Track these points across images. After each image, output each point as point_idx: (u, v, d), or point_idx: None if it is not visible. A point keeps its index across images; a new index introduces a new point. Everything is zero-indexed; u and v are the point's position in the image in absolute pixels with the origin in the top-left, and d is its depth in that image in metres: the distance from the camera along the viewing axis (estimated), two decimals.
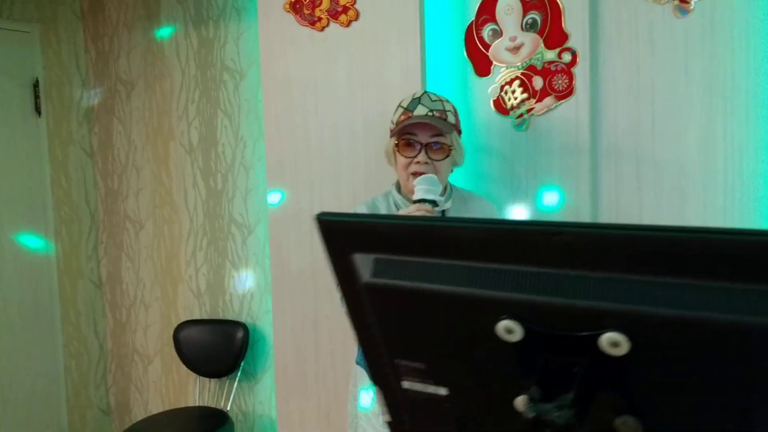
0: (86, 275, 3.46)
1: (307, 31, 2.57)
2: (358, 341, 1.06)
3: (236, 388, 3.14)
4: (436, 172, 1.97)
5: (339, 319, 2.60)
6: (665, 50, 2.15)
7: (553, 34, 2.28)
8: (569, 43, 2.26)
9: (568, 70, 2.28)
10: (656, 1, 2.16)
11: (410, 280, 0.93)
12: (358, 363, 2.22)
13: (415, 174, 1.97)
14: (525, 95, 2.34)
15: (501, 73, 2.38)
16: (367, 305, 0.98)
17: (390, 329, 0.98)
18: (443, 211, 2.03)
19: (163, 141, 3.27)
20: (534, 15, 2.31)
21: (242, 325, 3.06)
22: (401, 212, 1.96)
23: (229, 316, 3.16)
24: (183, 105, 3.18)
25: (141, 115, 3.32)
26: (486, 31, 2.39)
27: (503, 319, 0.83)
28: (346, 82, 2.54)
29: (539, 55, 2.31)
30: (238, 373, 3.10)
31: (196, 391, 3.28)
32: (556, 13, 2.28)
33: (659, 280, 0.75)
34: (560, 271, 0.81)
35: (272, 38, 2.66)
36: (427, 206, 1.86)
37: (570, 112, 2.27)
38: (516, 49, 2.35)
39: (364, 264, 0.97)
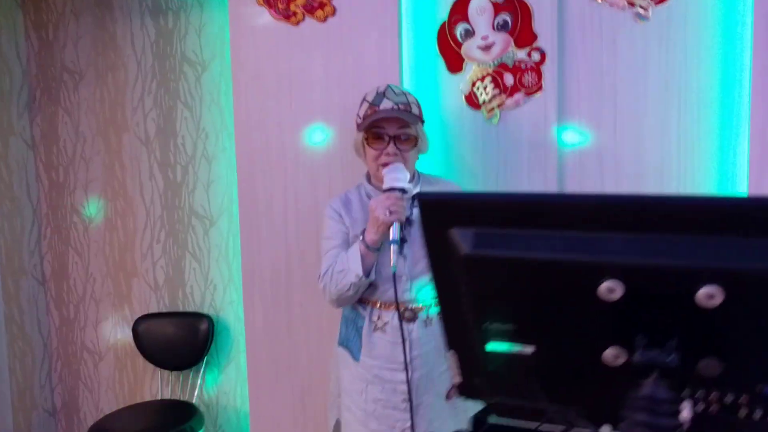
0: (29, 272, 3.33)
1: (281, 25, 2.62)
2: (442, 310, 1.16)
3: (201, 379, 3.14)
4: (404, 161, 2.09)
5: (313, 306, 2.68)
6: (626, 52, 2.37)
7: (523, 34, 2.45)
8: (538, 43, 2.43)
9: (537, 68, 2.45)
10: (618, 8, 2.37)
11: (511, 251, 1.04)
12: (341, 344, 2.29)
13: (385, 165, 2.08)
14: (496, 91, 2.49)
15: (473, 70, 2.53)
16: (463, 275, 1.08)
17: (484, 296, 1.08)
18: (413, 198, 2.15)
19: (116, 132, 3.20)
20: (505, 16, 2.47)
21: (206, 317, 3.05)
22: (372, 202, 2.05)
23: (190, 308, 3.15)
24: (138, 96, 3.13)
25: (91, 106, 3.23)
26: (459, 30, 2.53)
27: (605, 280, 0.95)
28: (322, 76, 2.61)
29: (510, 54, 2.47)
30: (203, 365, 3.10)
31: (155, 386, 3.24)
32: (526, 15, 2.45)
33: (749, 240, 0.90)
34: (660, 236, 0.94)
35: (243, 31, 2.69)
36: (397, 194, 1.98)
37: (539, 108, 2.44)
38: (488, 48, 2.51)
39: (463, 238, 1.07)
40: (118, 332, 3.32)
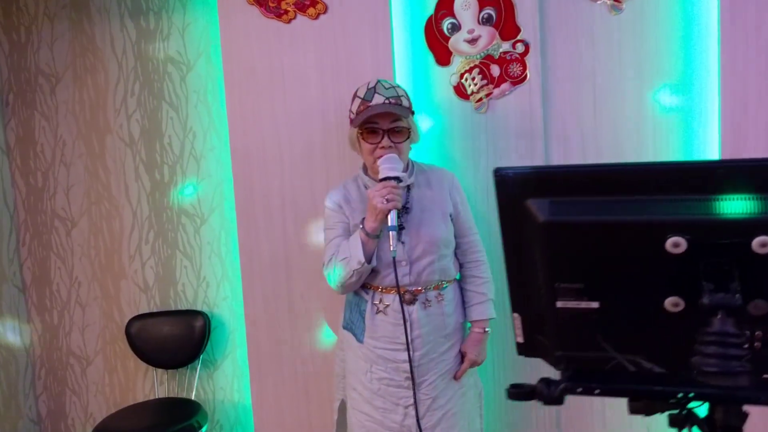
0: (9, 279, 3.27)
1: (272, 23, 2.69)
2: (510, 277, 1.28)
3: (197, 376, 3.17)
4: (398, 152, 2.21)
5: (314, 295, 2.77)
6: (602, 42, 2.55)
7: (508, 27, 2.60)
8: (522, 36, 2.59)
9: (521, 59, 2.61)
10: (594, 1, 2.55)
11: (584, 216, 1.17)
12: (345, 328, 2.39)
13: (381, 157, 2.20)
14: (484, 81, 2.64)
15: (460, 62, 2.67)
16: (539, 242, 1.20)
17: (557, 259, 1.21)
18: (408, 186, 2.28)
19: (99, 135, 3.19)
20: (489, 10, 2.62)
21: (201, 314, 3.08)
22: (369, 192, 2.16)
23: (182, 307, 3.17)
24: (121, 98, 3.13)
25: (70, 109, 3.20)
26: (445, 25, 2.66)
27: (671, 236, 1.09)
28: (316, 71, 2.70)
29: (496, 46, 2.62)
30: (198, 363, 3.13)
31: (149, 386, 3.26)
32: (510, 9, 2.59)
33: None
34: (718, 195, 1.09)
35: (234, 29, 2.76)
36: (393, 183, 2.11)
37: (524, 96, 2.60)
38: (474, 41, 2.64)
39: (540, 207, 1.19)
40: (107, 335, 3.30)
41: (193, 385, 3.19)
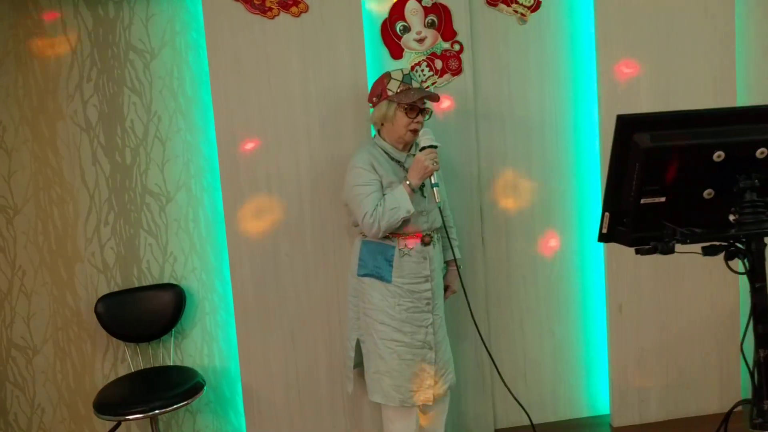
0: None
1: (257, 18, 3.06)
2: (609, 188, 1.98)
3: (174, 346, 3.34)
4: (422, 127, 2.87)
5: (299, 255, 3.21)
6: (514, 45, 3.40)
7: (447, 30, 3.31)
8: (458, 38, 3.32)
9: (458, 56, 3.33)
10: (507, 14, 3.37)
11: (667, 142, 1.93)
12: (366, 275, 2.89)
13: (414, 131, 2.82)
14: (431, 72, 3.30)
15: (411, 57, 3.29)
16: (639, 161, 1.92)
17: (648, 171, 1.94)
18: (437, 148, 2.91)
19: (48, 120, 3.16)
20: (432, 17, 3.29)
21: (175, 286, 3.27)
22: (418, 155, 2.77)
23: (147, 282, 3.29)
24: (75, 83, 3.15)
25: (11, 94, 3.12)
26: (398, 27, 3.27)
27: (716, 151, 1.90)
28: (298, 61, 3.17)
29: (438, 45, 3.30)
30: (172, 334, 3.28)
31: (108, 365, 3.32)
32: (448, 17, 3.30)
33: None
34: (742, 126, 1.92)
35: (218, 22, 3.10)
36: (435, 149, 2.79)
37: (460, 84, 3.33)
38: (421, 41, 3.30)
39: (642, 139, 1.93)
40: (58, 321, 3.26)
41: (167, 355, 3.36)
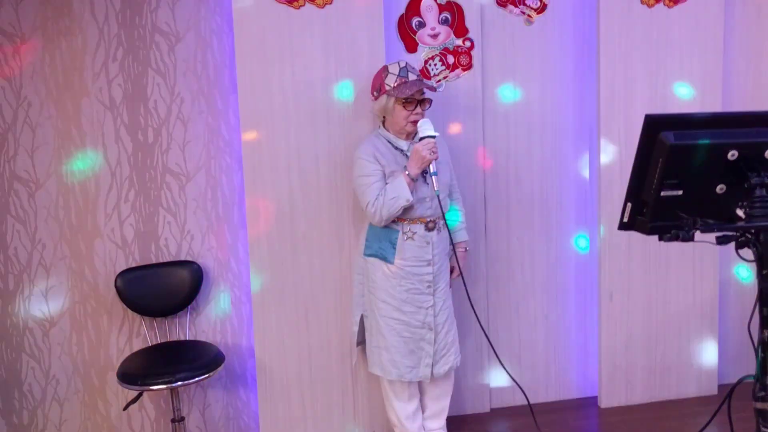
0: None
1: (283, 7, 3.19)
2: (633, 182, 2.17)
3: (188, 322, 3.44)
4: (423, 117, 3.00)
5: (316, 235, 3.36)
6: (521, 43, 3.59)
7: (459, 28, 3.47)
8: (469, 35, 3.49)
9: (468, 52, 3.49)
10: (515, 15, 3.55)
11: (689, 140, 2.12)
12: (371, 255, 3.06)
13: (414, 122, 2.96)
14: (443, 67, 3.46)
15: (425, 51, 3.45)
16: (663, 157, 2.11)
17: (670, 166, 2.14)
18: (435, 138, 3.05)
19: (73, 98, 3.22)
20: (446, 14, 3.45)
21: (190, 264, 3.37)
22: (417, 145, 2.92)
23: (164, 259, 3.38)
24: (101, 62, 3.22)
25: (38, 71, 3.18)
26: (414, 22, 3.42)
27: (731, 150, 2.11)
28: (321, 50, 3.30)
29: (451, 41, 3.47)
30: (188, 309, 3.38)
31: (123, 339, 3.41)
32: (460, 14, 3.47)
33: None
34: (750, 129, 2.13)
35: (246, 10, 3.21)
36: (433, 139, 2.92)
37: (470, 79, 3.50)
38: (435, 36, 3.45)
39: (667, 137, 2.12)
40: (76, 295, 3.32)
41: (182, 330, 3.46)
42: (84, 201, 3.33)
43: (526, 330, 3.82)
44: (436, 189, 2.95)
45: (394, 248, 3.05)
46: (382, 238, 3.08)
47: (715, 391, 3.87)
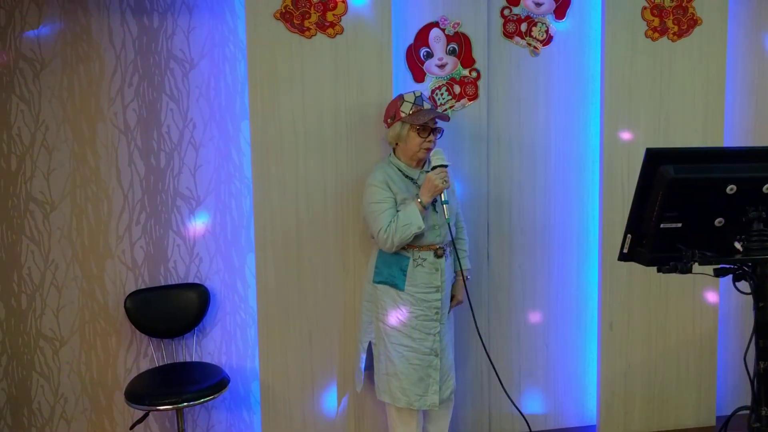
0: None
1: (295, 36, 3.27)
2: (633, 214, 2.23)
3: (194, 343, 3.50)
4: (435, 145, 3.08)
5: (321, 261, 3.42)
6: (526, 74, 3.68)
7: (466, 58, 3.56)
8: (476, 65, 3.58)
9: (474, 82, 3.58)
10: (520, 46, 3.63)
11: (688, 174, 2.19)
12: (380, 282, 3.11)
13: (426, 149, 3.04)
14: (449, 96, 3.54)
15: (432, 80, 3.53)
16: (663, 190, 2.18)
17: (669, 198, 2.20)
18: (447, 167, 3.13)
19: (89, 121, 3.31)
20: (453, 45, 3.54)
21: (200, 286, 3.43)
22: (429, 174, 2.99)
23: (172, 281, 3.45)
24: (117, 87, 3.32)
25: (56, 95, 3.28)
26: (422, 52, 3.51)
27: (730, 184, 2.17)
28: (331, 79, 3.38)
29: (458, 71, 3.55)
30: (194, 331, 3.44)
31: (131, 359, 3.47)
32: (468, 45, 3.55)
33: None
34: (751, 163, 2.19)
35: (259, 38, 3.30)
36: (445, 168, 2.99)
37: (476, 109, 3.59)
38: (442, 66, 3.54)
39: (667, 170, 2.18)
40: (86, 314, 3.39)
41: (188, 352, 3.52)
42: (96, 222, 3.41)
43: (527, 358, 3.86)
44: (447, 217, 3.03)
45: (405, 275, 3.11)
46: (393, 264, 3.14)
47: (713, 422, 3.90)
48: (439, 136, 3.14)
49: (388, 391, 3.17)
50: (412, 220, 2.99)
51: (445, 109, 3.57)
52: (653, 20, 3.67)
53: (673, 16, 3.70)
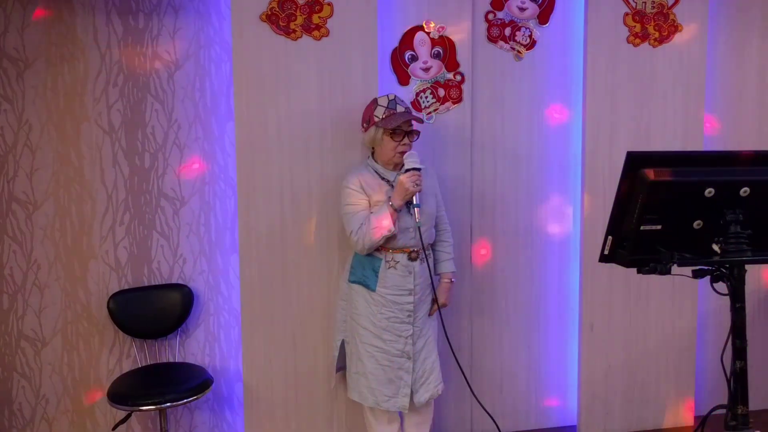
0: None
1: (281, 39, 3.28)
2: (614, 217, 2.27)
3: (178, 344, 3.50)
4: (410, 148, 3.10)
5: (306, 263, 3.44)
6: (509, 78, 3.71)
7: (451, 62, 3.59)
8: (460, 69, 3.61)
9: (459, 85, 3.61)
10: (505, 50, 3.67)
11: (669, 177, 2.23)
12: (354, 282, 3.14)
13: (402, 153, 3.06)
14: (434, 99, 3.57)
15: (417, 84, 3.56)
16: (643, 192, 2.22)
17: (650, 201, 2.24)
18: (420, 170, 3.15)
19: (73, 122, 3.30)
20: (438, 48, 3.57)
21: (182, 287, 3.43)
22: (402, 177, 3.01)
23: (156, 282, 3.45)
24: (102, 88, 3.31)
25: (40, 95, 3.26)
26: (407, 56, 3.53)
27: (708, 188, 2.22)
28: (316, 81, 3.40)
29: (442, 75, 3.58)
30: (177, 332, 3.44)
31: (113, 360, 3.46)
32: (452, 49, 3.58)
33: (759, 168, 2.26)
34: (731, 167, 2.24)
35: (245, 40, 3.31)
36: (418, 172, 3.02)
37: (460, 113, 3.62)
38: (427, 70, 3.57)
39: (647, 174, 2.22)
40: (68, 315, 3.38)
41: (171, 352, 3.52)
42: (80, 223, 3.40)
43: (509, 359, 3.90)
44: (417, 221, 3.04)
45: (377, 276, 3.13)
46: (366, 265, 3.16)
47: (691, 422, 3.96)
48: (415, 138, 3.15)
49: (357, 390, 3.21)
50: (382, 222, 3.01)
51: (430, 113, 3.60)
52: (635, 26, 3.74)
53: (655, 22, 3.76)
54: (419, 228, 3.05)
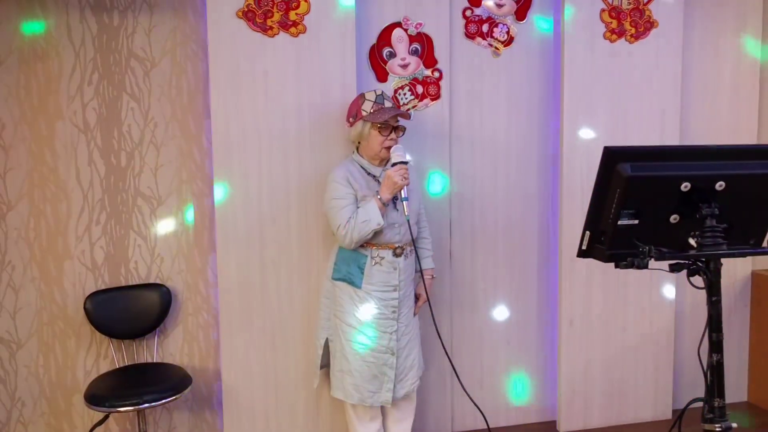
0: None
1: (258, 35, 3.26)
2: (591, 212, 2.28)
3: (156, 344, 3.47)
4: (396, 143, 3.10)
5: (284, 262, 3.43)
6: (487, 74, 3.72)
7: (429, 58, 3.59)
8: (438, 66, 3.61)
9: (437, 82, 3.61)
10: (482, 47, 3.68)
11: (644, 172, 2.24)
12: (339, 279, 3.13)
13: (388, 148, 3.06)
14: (412, 96, 3.57)
15: (395, 80, 3.55)
16: (620, 189, 2.23)
17: (626, 196, 2.26)
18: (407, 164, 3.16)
19: (47, 120, 3.25)
20: (416, 45, 3.56)
21: (159, 287, 3.40)
22: (389, 171, 3.01)
23: (133, 281, 3.40)
24: (76, 86, 3.26)
25: (12, 94, 3.21)
26: (385, 52, 3.52)
27: (684, 182, 2.24)
28: (294, 78, 3.38)
29: (420, 71, 3.58)
30: (156, 332, 3.40)
31: (90, 361, 3.42)
32: (430, 46, 3.58)
33: (737, 162, 2.28)
34: (707, 162, 2.26)
35: (221, 37, 3.29)
36: (405, 165, 3.01)
37: (438, 109, 3.62)
38: (405, 66, 3.56)
39: (624, 168, 2.24)
40: (44, 316, 3.33)
41: (149, 353, 3.48)
42: (55, 223, 3.35)
43: (489, 355, 3.91)
44: (406, 214, 3.04)
45: (362, 273, 3.12)
46: (351, 262, 3.15)
47: (669, 415, 4.00)
48: (401, 134, 3.16)
49: (341, 388, 3.20)
50: (371, 216, 3.00)
51: (408, 109, 3.60)
52: (611, 22, 3.76)
53: (631, 18, 3.78)
54: (408, 221, 3.06)
